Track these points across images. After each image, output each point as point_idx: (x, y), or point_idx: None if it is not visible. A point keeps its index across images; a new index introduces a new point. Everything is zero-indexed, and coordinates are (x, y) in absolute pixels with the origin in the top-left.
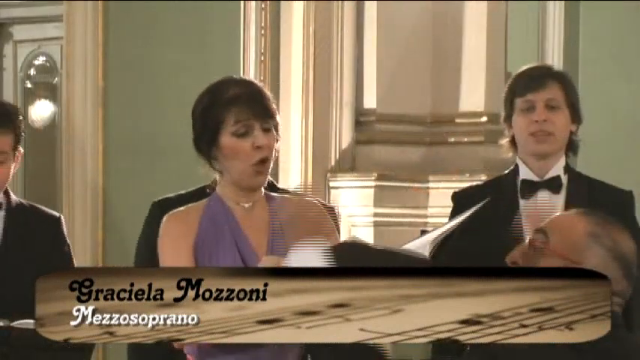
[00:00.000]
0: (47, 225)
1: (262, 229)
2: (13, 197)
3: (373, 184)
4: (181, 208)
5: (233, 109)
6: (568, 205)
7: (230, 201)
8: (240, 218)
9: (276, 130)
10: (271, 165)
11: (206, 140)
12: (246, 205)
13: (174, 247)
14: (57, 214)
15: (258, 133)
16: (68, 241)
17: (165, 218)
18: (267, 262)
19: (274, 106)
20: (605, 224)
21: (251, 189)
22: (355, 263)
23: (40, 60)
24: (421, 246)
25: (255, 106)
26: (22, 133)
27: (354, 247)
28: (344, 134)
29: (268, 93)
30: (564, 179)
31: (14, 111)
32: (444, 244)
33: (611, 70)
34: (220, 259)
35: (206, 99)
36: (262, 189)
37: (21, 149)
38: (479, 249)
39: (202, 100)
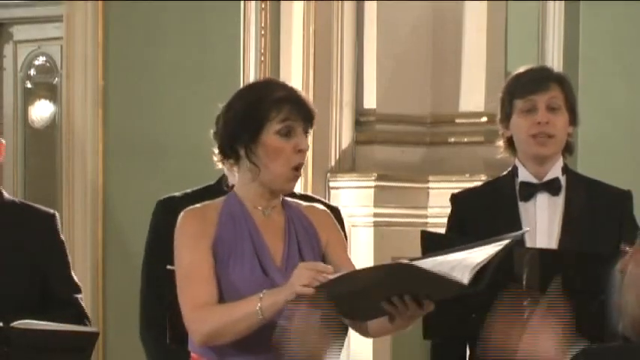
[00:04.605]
0: (41, 222)
1: (279, 235)
2: (7, 196)
3: (373, 184)
4: (197, 205)
5: (283, 107)
6: (567, 206)
7: (249, 203)
8: (259, 223)
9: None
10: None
11: (248, 134)
12: (265, 211)
13: (193, 246)
14: (51, 210)
15: (301, 136)
16: (63, 237)
17: (181, 215)
18: (305, 267)
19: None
20: None
21: (281, 192)
22: (404, 282)
23: (40, 60)
24: (463, 268)
25: (302, 108)
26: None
27: (406, 267)
28: (344, 134)
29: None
30: (563, 180)
31: None
32: (482, 272)
33: (611, 70)
34: (238, 262)
35: (252, 95)
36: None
37: (2, 140)
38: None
39: (246, 96)
